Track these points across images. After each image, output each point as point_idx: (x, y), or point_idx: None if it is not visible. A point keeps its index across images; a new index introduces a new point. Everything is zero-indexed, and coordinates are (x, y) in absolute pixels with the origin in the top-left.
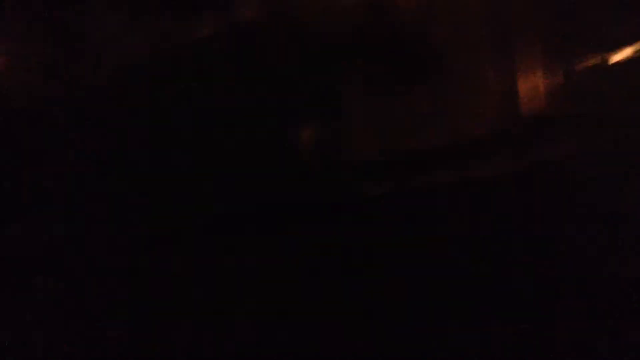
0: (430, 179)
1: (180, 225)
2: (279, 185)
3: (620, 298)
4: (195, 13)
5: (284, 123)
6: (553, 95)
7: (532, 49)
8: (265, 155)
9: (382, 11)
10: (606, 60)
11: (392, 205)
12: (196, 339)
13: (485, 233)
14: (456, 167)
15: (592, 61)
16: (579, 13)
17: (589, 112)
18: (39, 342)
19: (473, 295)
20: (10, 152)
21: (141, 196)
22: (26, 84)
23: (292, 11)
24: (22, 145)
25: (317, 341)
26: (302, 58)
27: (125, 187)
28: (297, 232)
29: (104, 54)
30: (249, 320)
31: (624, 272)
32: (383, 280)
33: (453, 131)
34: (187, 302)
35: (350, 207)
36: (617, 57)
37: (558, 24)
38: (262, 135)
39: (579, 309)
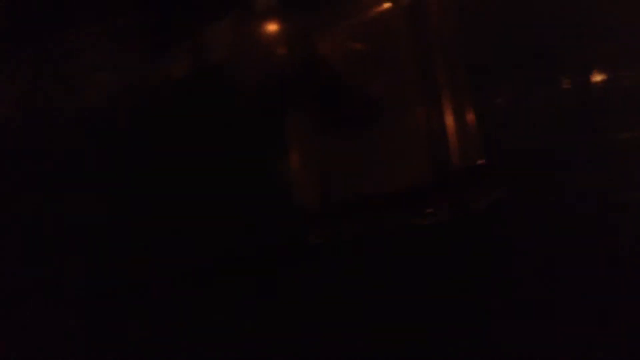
0: (367, 226)
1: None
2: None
3: None
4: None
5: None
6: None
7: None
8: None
9: (317, 66)
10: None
11: (333, 252)
12: None
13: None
14: (393, 214)
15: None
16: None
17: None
18: None
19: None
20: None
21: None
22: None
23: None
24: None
25: None
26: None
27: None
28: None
29: (85, 90)
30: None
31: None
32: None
33: (388, 179)
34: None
35: (295, 253)
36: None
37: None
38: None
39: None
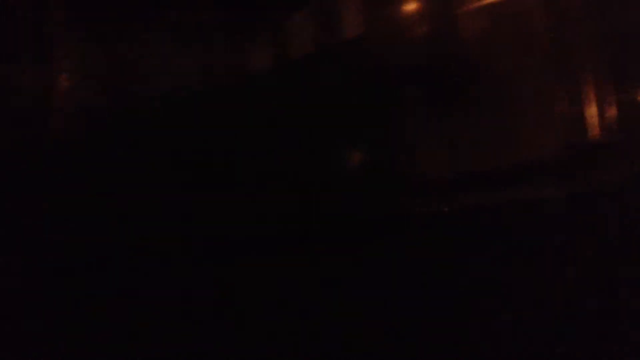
0: (484, 200)
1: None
2: (341, 202)
3: None
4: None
5: (347, 145)
6: (608, 122)
7: (591, 77)
8: (329, 175)
9: (446, 39)
10: None
11: (445, 223)
12: None
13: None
14: (511, 188)
15: None
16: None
17: None
18: None
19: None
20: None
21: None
22: (83, 102)
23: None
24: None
25: None
26: (364, 84)
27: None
28: (360, 246)
29: (158, 79)
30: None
31: None
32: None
33: (509, 154)
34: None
35: (406, 224)
36: None
37: (617, 55)
38: (330, 155)
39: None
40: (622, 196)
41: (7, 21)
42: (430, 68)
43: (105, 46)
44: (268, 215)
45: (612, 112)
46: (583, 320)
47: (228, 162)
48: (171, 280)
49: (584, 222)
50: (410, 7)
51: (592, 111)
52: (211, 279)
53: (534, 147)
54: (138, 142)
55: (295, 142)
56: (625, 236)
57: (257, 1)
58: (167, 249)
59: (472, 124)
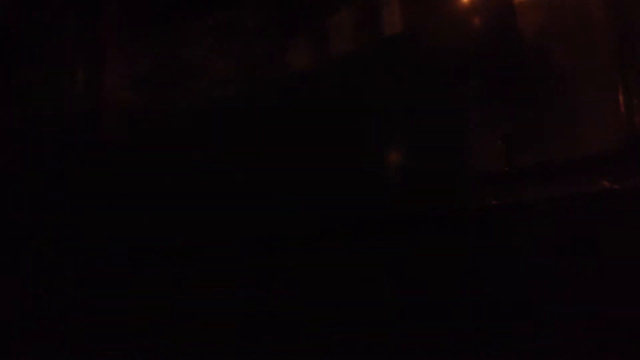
0: (539, 193)
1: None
2: (402, 194)
3: None
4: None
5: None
6: None
7: None
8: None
9: (510, 34)
10: None
11: (502, 216)
12: None
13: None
14: (569, 182)
15: None
16: None
17: None
18: None
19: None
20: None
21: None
22: (130, 100)
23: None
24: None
25: None
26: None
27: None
28: (417, 236)
29: (200, 78)
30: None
31: None
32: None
33: (568, 148)
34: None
35: (468, 215)
36: None
37: None
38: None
39: None
40: None
41: (61, 27)
42: (486, 62)
43: (151, 50)
44: (318, 211)
45: None
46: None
47: (279, 159)
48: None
49: None
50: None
51: None
52: (260, 272)
53: (591, 141)
54: (194, 141)
55: (350, 137)
56: None
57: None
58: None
59: (528, 117)
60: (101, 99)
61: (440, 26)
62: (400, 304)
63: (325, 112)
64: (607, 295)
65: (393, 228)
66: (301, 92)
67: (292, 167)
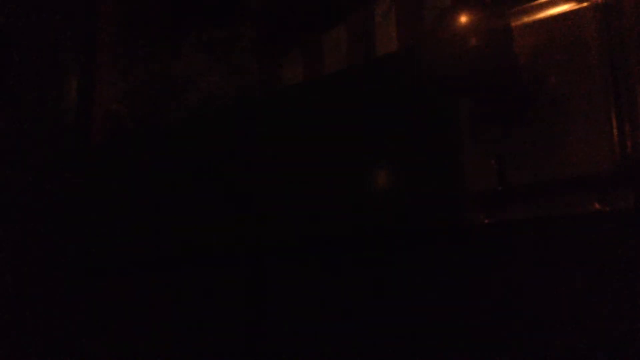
0: (530, 213)
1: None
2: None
3: None
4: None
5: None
6: None
7: None
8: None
9: (504, 54)
10: None
11: (494, 234)
12: None
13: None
14: (561, 202)
15: None
16: None
17: None
18: None
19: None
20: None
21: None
22: (122, 111)
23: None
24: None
25: None
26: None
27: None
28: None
29: (194, 92)
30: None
31: None
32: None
33: (561, 168)
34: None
35: (459, 233)
36: None
37: None
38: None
39: None
40: None
41: (54, 35)
42: (479, 81)
43: (145, 63)
44: (310, 223)
45: None
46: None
47: (271, 172)
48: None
49: (631, 238)
50: (462, 19)
51: None
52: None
53: (583, 162)
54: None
55: (340, 153)
56: None
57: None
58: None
59: (521, 136)
60: (93, 111)
61: (435, 45)
62: (387, 324)
63: (316, 127)
64: (598, 314)
65: (381, 245)
66: (293, 107)
67: (283, 181)
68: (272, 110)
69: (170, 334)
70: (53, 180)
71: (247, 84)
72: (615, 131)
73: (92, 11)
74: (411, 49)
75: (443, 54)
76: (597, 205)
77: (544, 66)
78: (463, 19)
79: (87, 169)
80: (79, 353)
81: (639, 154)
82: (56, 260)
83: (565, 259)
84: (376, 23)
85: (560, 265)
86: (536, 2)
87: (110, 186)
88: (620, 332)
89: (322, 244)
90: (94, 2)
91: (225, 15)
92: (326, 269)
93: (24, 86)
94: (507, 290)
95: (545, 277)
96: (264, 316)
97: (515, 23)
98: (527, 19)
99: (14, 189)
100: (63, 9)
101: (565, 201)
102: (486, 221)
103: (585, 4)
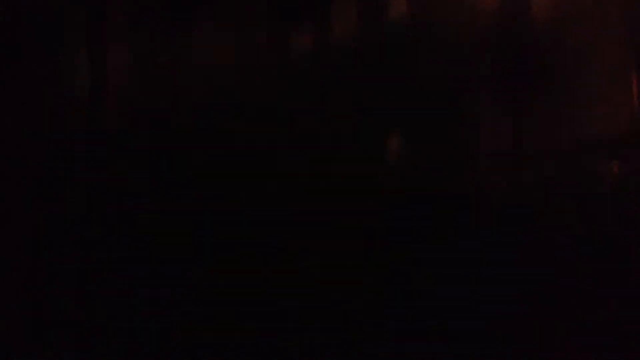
0: (548, 175)
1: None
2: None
3: None
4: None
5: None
6: None
7: None
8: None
9: (522, 16)
10: None
11: (512, 198)
12: None
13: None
14: (579, 164)
15: None
16: None
17: None
18: None
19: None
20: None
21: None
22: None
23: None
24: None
25: None
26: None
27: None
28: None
29: (204, 66)
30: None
31: None
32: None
33: (580, 129)
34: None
35: (478, 198)
36: None
37: None
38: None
39: None
40: None
41: (66, 13)
42: (497, 44)
43: (156, 38)
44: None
45: None
46: None
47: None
48: None
49: None
50: None
51: None
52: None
53: (602, 124)
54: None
55: (357, 116)
56: None
57: None
58: None
59: (540, 97)
60: (104, 89)
61: (451, 8)
62: (402, 288)
63: (332, 91)
64: (616, 277)
65: (399, 208)
66: (306, 76)
67: (297, 150)
68: (281, 84)
69: None
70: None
71: (258, 56)
72: (635, 91)
73: None
74: (421, 15)
75: (457, 18)
76: (616, 166)
77: (562, 28)
78: None
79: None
80: None
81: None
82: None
83: (584, 221)
84: None
85: (579, 226)
86: None
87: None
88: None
89: (336, 207)
90: None
91: None
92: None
93: (36, 66)
94: (522, 251)
95: (563, 238)
96: None
97: None
98: None
99: (24, 168)
100: None
101: (584, 162)
102: (503, 184)
103: None
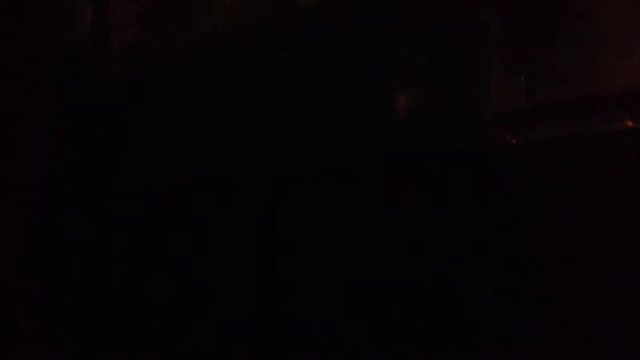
0: (560, 132)
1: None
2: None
3: None
4: None
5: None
6: None
7: None
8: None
9: None
10: None
11: (522, 154)
12: None
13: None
14: (592, 120)
15: None
16: None
17: None
18: None
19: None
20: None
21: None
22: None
23: None
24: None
25: None
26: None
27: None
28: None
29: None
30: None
31: None
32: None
33: (592, 85)
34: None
35: (486, 155)
36: None
37: None
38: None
39: None
40: None
41: None
42: None
43: None
44: (326, 149)
45: None
46: None
47: (287, 91)
48: None
49: None
50: None
51: None
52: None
53: (615, 79)
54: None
55: (362, 71)
56: None
57: None
58: None
59: (551, 53)
60: (107, 35)
61: None
62: (412, 249)
63: (336, 44)
64: (629, 238)
65: (406, 167)
66: (307, 26)
67: (298, 102)
68: (284, 34)
69: (184, 264)
70: (70, 105)
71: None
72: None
73: None
74: None
75: None
76: (629, 123)
77: None
78: None
79: (104, 93)
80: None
81: None
82: (72, 183)
83: (596, 178)
84: None
85: (591, 184)
86: None
87: (125, 110)
88: None
89: (345, 168)
90: None
91: None
92: (349, 196)
93: (38, 10)
94: (535, 210)
95: (575, 196)
96: (280, 245)
97: None
98: None
99: (30, 112)
100: None
101: (597, 119)
102: (514, 141)
103: None
